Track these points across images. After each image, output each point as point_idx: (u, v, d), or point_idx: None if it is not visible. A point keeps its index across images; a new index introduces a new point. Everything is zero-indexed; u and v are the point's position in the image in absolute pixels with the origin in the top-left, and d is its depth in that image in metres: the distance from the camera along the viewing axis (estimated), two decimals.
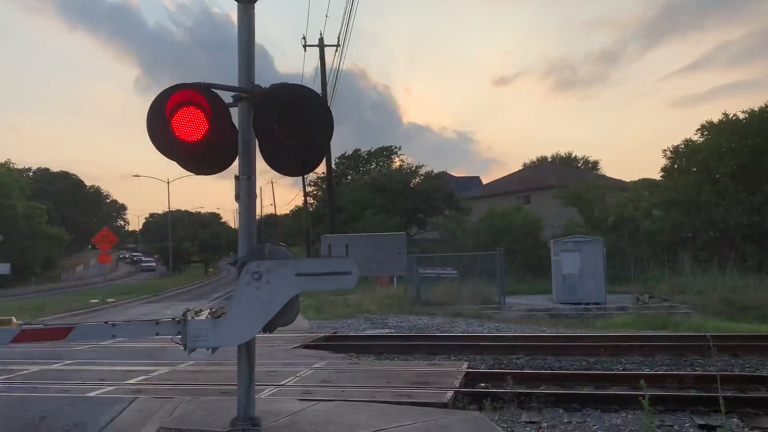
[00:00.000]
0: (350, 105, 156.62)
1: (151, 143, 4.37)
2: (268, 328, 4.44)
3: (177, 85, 4.34)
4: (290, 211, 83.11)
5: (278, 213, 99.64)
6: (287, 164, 4.91)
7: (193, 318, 4.43)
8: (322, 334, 14.22)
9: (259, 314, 4.27)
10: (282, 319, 4.53)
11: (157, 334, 4.56)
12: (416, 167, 52.59)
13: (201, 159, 4.79)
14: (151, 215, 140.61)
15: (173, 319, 4.49)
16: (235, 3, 4.79)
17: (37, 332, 4.57)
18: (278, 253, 4.53)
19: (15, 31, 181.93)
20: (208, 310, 4.72)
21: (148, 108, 4.30)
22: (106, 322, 4.61)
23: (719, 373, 6.99)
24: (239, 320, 4.28)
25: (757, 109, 29.94)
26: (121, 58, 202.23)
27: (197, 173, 5.20)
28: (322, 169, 42.62)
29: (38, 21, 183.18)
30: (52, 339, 4.62)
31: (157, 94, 4.31)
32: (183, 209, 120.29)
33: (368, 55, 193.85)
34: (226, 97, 4.64)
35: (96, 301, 31.59)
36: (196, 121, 4.37)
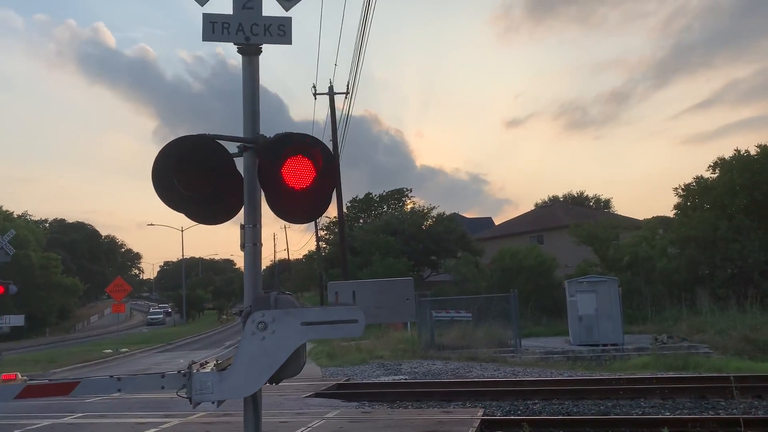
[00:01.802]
0: (364, 150, 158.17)
1: (158, 196, 4.39)
2: (274, 379, 4.35)
3: (182, 137, 4.39)
4: (303, 255, 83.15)
5: (292, 258, 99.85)
6: (293, 213, 4.91)
7: (198, 371, 4.36)
8: (335, 382, 14.02)
9: (264, 365, 4.19)
10: (288, 370, 4.44)
11: (163, 388, 4.49)
12: (428, 209, 52.69)
13: (207, 210, 4.79)
14: (166, 263, 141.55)
15: (179, 371, 4.43)
16: (241, 56, 4.87)
17: (42, 387, 4.51)
18: (284, 302, 4.47)
19: (37, 86, 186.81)
20: (214, 362, 4.65)
21: (153, 161, 4.33)
22: (111, 376, 4.55)
23: (742, 417, 6.78)
24: (244, 372, 4.20)
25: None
26: (139, 110, 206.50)
27: (204, 223, 5.20)
28: (334, 213, 42.83)
29: (59, 76, 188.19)
30: (57, 395, 4.55)
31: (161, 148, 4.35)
32: (197, 256, 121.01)
33: (380, 100, 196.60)
34: (232, 147, 4.67)
35: (109, 351, 31.50)
36: (202, 173, 4.38)
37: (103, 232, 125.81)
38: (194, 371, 4.30)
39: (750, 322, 21.10)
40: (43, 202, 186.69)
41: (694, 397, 10.47)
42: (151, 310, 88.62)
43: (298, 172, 4.54)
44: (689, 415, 9.00)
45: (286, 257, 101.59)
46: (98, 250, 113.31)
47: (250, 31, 4.75)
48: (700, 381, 11.52)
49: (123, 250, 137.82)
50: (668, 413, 9.35)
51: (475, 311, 23.07)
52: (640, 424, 8.34)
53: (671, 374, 13.27)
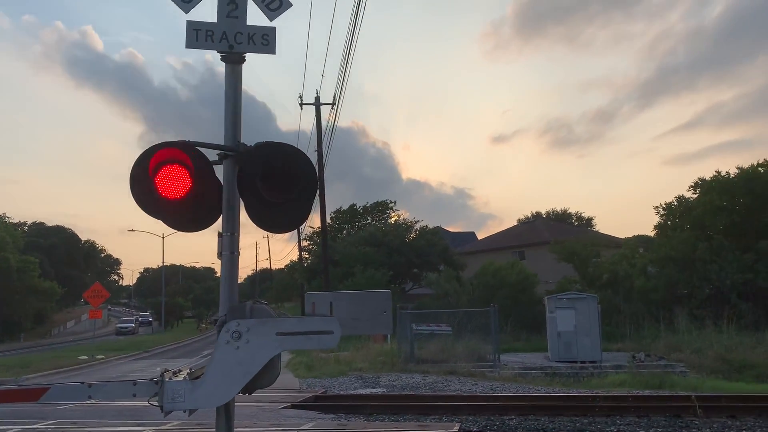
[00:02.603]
0: (350, 161, 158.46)
1: (135, 201, 4.36)
2: (248, 389, 4.32)
3: (160, 143, 4.36)
4: (286, 265, 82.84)
5: (274, 267, 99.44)
6: (272, 222, 4.90)
7: (170, 379, 4.32)
8: (312, 393, 13.93)
9: (238, 375, 4.16)
10: (262, 381, 4.41)
11: (134, 395, 4.43)
12: (411, 222, 52.79)
13: (185, 216, 4.76)
14: (146, 270, 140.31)
15: (151, 379, 4.38)
16: (224, 64, 4.87)
17: (9, 393, 4.44)
18: (259, 312, 4.45)
19: (23, 87, 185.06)
20: (188, 370, 4.61)
21: (131, 166, 4.30)
22: (82, 383, 4.49)
23: None
24: (217, 381, 4.16)
25: (748, 167, 30.34)
26: (126, 115, 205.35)
27: (182, 230, 5.18)
28: (317, 223, 42.79)
29: (46, 78, 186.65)
30: (25, 401, 4.47)
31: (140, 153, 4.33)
32: (178, 263, 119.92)
33: (368, 113, 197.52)
34: (212, 154, 4.66)
35: (85, 357, 31.02)
36: (180, 179, 4.36)
37: (84, 237, 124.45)
38: (166, 379, 4.26)
39: (726, 342, 21.34)
40: (23, 204, 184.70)
41: (668, 416, 10.53)
42: (121, 318, 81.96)
43: (277, 182, 4.54)
44: None
45: (268, 267, 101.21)
46: (77, 255, 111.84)
47: (234, 40, 4.75)
48: (674, 399, 11.60)
49: (103, 255, 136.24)
50: (642, 431, 9.41)
51: (456, 325, 23.08)
52: None
53: (647, 392, 13.36)
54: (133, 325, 71.06)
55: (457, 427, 9.26)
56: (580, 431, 9.47)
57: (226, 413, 4.49)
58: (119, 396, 4.60)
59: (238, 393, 4.33)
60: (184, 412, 4.34)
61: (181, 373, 4.53)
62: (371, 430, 9.24)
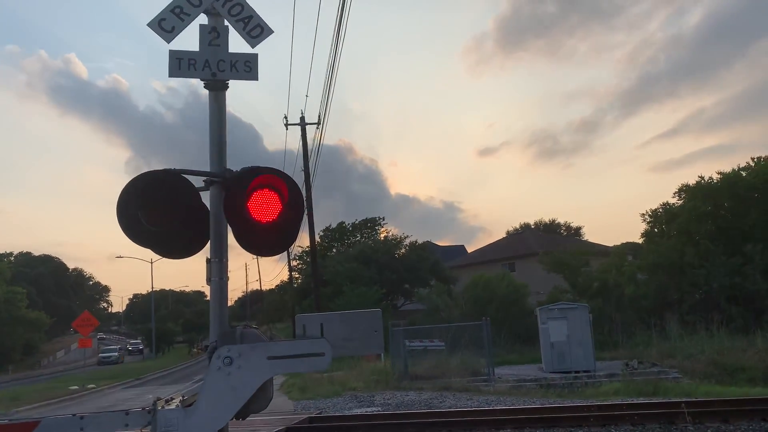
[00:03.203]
0: (339, 179, 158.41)
1: (122, 232, 4.38)
2: (241, 415, 4.32)
3: (147, 172, 4.40)
4: (276, 286, 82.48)
5: (264, 288, 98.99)
6: (260, 246, 4.94)
7: (163, 407, 4.31)
8: (306, 416, 13.82)
9: (230, 401, 4.16)
10: (255, 406, 4.42)
11: (127, 426, 4.43)
12: (401, 238, 52.86)
13: (174, 244, 4.80)
14: (135, 296, 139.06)
15: (143, 409, 4.38)
16: (207, 92, 4.93)
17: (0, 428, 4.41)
18: (250, 337, 4.47)
19: (7, 117, 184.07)
20: (180, 398, 4.60)
21: (117, 196, 4.33)
22: (73, 415, 4.49)
23: None
24: (210, 408, 4.16)
25: (730, 172, 30.71)
26: (111, 141, 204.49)
27: (171, 258, 5.20)
28: (306, 242, 42.68)
29: (30, 107, 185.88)
30: None
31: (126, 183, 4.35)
32: (167, 288, 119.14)
33: (355, 131, 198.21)
34: (198, 180, 4.70)
35: (76, 387, 30.63)
36: (167, 207, 4.39)
37: (72, 265, 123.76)
38: (159, 408, 4.26)
39: (717, 346, 21.46)
40: (9, 234, 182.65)
41: (663, 422, 10.56)
42: (102, 348, 75.73)
43: (264, 206, 4.58)
44: None
45: (259, 288, 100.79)
46: (65, 284, 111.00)
47: (217, 68, 4.81)
48: (668, 406, 11.62)
49: (91, 283, 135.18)
50: None
51: (449, 340, 23.06)
52: None
53: (641, 400, 13.38)
54: (117, 354, 66.77)
55: None
56: None
57: None
58: (112, 427, 4.58)
59: (232, 419, 4.34)
60: None
61: (174, 401, 4.53)
62: None
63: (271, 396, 4.61)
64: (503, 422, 11.29)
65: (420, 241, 53.69)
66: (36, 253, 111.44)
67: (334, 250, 61.73)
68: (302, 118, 30.91)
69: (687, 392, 14.86)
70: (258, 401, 4.37)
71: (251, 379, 4.18)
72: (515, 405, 13.80)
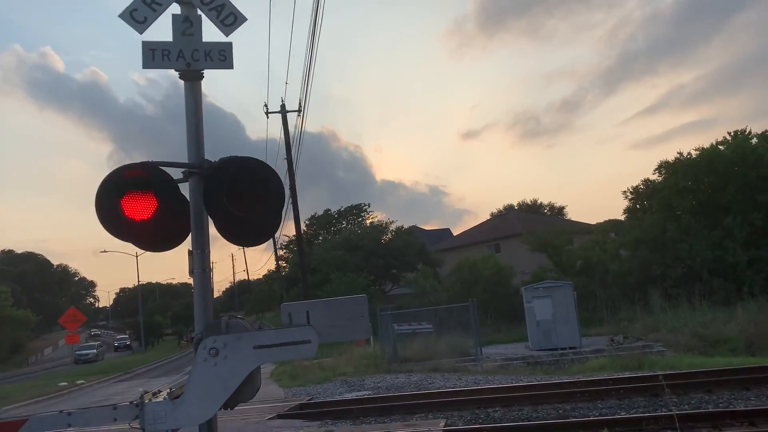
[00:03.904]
0: (323, 167, 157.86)
1: (102, 226, 4.35)
2: (229, 405, 4.33)
3: (124, 165, 4.37)
4: (264, 275, 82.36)
5: (252, 278, 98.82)
6: (240, 236, 4.92)
7: (150, 400, 4.32)
8: (297, 402, 13.90)
9: (218, 392, 4.17)
10: (243, 395, 4.44)
11: (115, 420, 4.43)
12: (386, 224, 52.94)
13: (154, 237, 4.76)
14: (122, 290, 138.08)
15: (131, 402, 4.38)
16: (183, 82, 4.88)
17: None
18: (235, 327, 4.47)
19: None
20: (167, 390, 4.60)
21: (96, 191, 4.29)
22: (61, 411, 4.47)
23: (687, 412, 7.01)
24: (198, 399, 4.17)
25: (708, 147, 31.02)
26: (92, 135, 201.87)
27: (152, 251, 5.18)
28: (292, 231, 42.61)
29: (8, 103, 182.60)
30: None
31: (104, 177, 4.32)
32: (154, 281, 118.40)
33: (338, 117, 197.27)
34: (177, 172, 4.67)
35: (65, 384, 30.49)
36: (146, 200, 4.36)
37: (56, 261, 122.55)
38: (146, 401, 4.26)
39: (700, 318, 21.80)
40: None
41: (648, 396, 10.76)
42: (78, 345, 69.45)
43: (243, 196, 4.56)
44: (644, 413, 9.26)
45: (246, 278, 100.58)
46: (50, 280, 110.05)
47: (191, 57, 4.76)
48: (653, 380, 11.82)
49: (76, 279, 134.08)
50: (624, 412, 9.60)
51: (437, 322, 23.21)
52: (597, 425, 8.51)
53: (627, 374, 13.59)
54: (95, 351, 61.95)
55: (442, 424, 9.35)
56: (563, 418, 9.62)
57: (209, 430, 4.50)
58: (100, 422, 4.59)
59: (220, 409, 4.35)
60: None
61: (161, 393, 4.53)
62: None
63: (258, 385, 4.63)
64: (492, 401, 11.44)
65: (406, 226, 53.90)
66: (19, 251, 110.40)
67: (321, 238, 61.70)
68: (283, 106, 30.71)
69: (671, 365, 15.11)
70: (246, 391, 4.39)
71: (238, 368, 4.19)
72: (503, 384, 13.96)
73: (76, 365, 53.07)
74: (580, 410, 10.21)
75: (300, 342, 4.37)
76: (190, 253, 4.71)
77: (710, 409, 9.08)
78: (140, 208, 4.34)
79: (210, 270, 4.70)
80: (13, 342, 68.09)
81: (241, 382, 4.24)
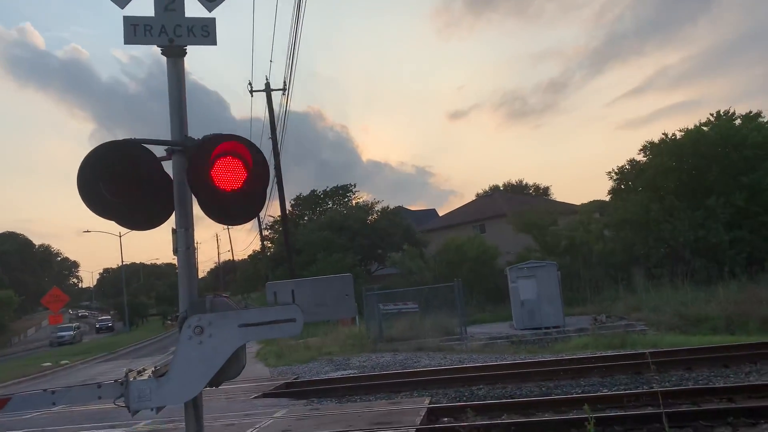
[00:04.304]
0: (308, 146, 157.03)
1: (84, 204, 4.30)
2: (214, 382, 4.33)
3: (105, 143, 4.30)
4: (249, 256, 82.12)
5: (237, 258, 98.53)
6: (226, 215, 4.89)
7: (135, 378, 4.30)
8: (283, 381, 13.97)
9: (203, 370, 4.17)
10: (228, 373, 4.43)
11: (100, 398, 4.40)
12: (372, 204, 52.90)
13: (137, 215, 4.72)
14: (105, 270, 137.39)
15: (115, 381, 4.36)
16: (165, 59, 4.81)
17: None
18: (220, 305, 4.45)
19: None
20: (152, 369, 4.59)
21: (77, 169, 4.23)
22: (44, 390, 4.44)
23: (668, 389, 7.13)
24: (183, 377, 4.17)
25: (693, 128, 31.20)
26: (74, 113, 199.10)
27: (136, 229, 5.13)
28: (278, 211, 42.48)
29: None
30: None
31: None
32: (138, 262, 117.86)
33: (324, 97, 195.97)
34: (160, 150, 4.61)
35: (49, 364, 30.40)
36: (129, 178, 4.31)
37: (38, 242, 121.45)
38: (131, 379, 4.25)
39: (681, 298, 22.09)
40: None
41: (630, 374, 10.92)
42: (54, 327, 69.98)
43: (228, 174, 4.51)
44: (625, 390, 9.40)
45: (231, 258, 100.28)
46: (32, 261, 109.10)
47: (174, 33, 4.68)
48: (635, 358, 12.00)
49: (59, 259, 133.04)
50: (606, 390, 9.74)
51: (422, 302, 23.32)
52: (579, 402, 8.61)
53: (609, 352, 13.78)
54: (72, 333, 59.42)
55: (427, 401, 9.43)
56: (547, 395, 9.75)
57: (194, 408, 4.50)
58: (84, 400, 4.57)
59: (205, 387, 4.35)
60: (152, 410, 4.34)
61: (146, 371, 4.51)
62: (343, 412, 9.35)
63: (244, 363, 4.63)
64: (477, 379, 11.56)
65: (392, 207, 53.88)
66: None
67: (306, 219, 61.54)
68: (267, 84, 30.38)
69: (653, 343, 15.34)
70: (231, 369, 4.38)
71: (223, 347, 4.19)
72: (488, 362, 14.10)
73: (52, 347, 51.55)
74: (563, 387, 10.35)
75: (285, 320, 4.36)
76: (174, 231, 4.67)
77: (690, 386, 9.24)
78: (123, 186, 4.29)
79: (194, 248, 4.66)
80: None
81: (227, 360, 4.24)
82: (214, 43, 4.76)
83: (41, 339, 72.01)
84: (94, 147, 4.42)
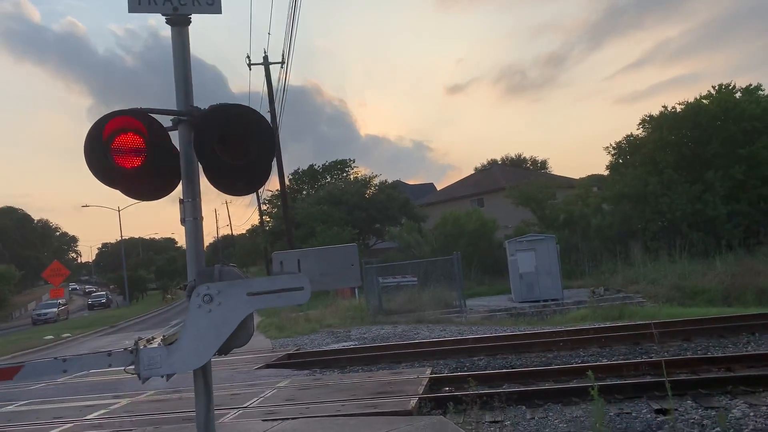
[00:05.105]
0: (306, 121, 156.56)
1: (91, 173, 4.30)
2: (223, 350, 4.39)
3: (113, 112, 4.29)
4: (247, 230, 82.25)
5: (235, 233, 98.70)
6: (232, 184, 4.90)
7: (145, 346, 4.36)
8: (285, 352, 14.11)
9: (212, 337, 4.22)
10: (237, 341, 4.48)
11: (110, 366, 4.46)
12: (370, 178, 52.82)
13: (143, 185, 4.72)
14: (104, 245, 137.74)
15: (125, 349, 4.42)
16: (170, 27, 4.77)
17: None
18: (228, 274, 4.49)
19: None
20: (161, 337, 4.65)
21: (84, 138, 4.23)
22: (56, 358, 4.50)
23: (669, 359, 7.23)
24: (192, 345, 4.22)
25: (693, 101, 31.10)
26: (71, 88, 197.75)
27: (141, 199, 5.15)
28: (276, 186, 42.46)
29: None
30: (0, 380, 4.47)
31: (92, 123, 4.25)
32: (137, 236, 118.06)
33: (322, 71, 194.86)
34: (166, 120, 4.61)
35: (51, 337, 30.62)
36: (135, 148, 4.32)
37: (37, 216, 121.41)
38: (141, 347, 4.31)
39: (679, 271, 22.25)
40: None
41: (628, 344, 11.05)
42: (40, 303, 62.92)
43: (234, 144, 4.53)
44: (624, 360, 9.52)
45: (230, 233, 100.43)
46: (31, 235, 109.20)
47: (178, 1, 4.64)
48: (633, 328, 12.13)
49: (58, 233, 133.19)
50: (605, 360, 9.86)
51: (421, 275, 23.46)
52: (579, 371, 8.72)
53: (608, 324, 13.92)
54: (55, 310, 54.26)
55: (429, 371, 9.55)
56: (547, 365, 9.87)
57: (203, 375, 4.56)
58: (95, 367, 4.63)
59: (214, 355, 4.41)
60: (162, 377, 4.40)
61: (155, 340, 4.57)
62: (346, 382, 9.47)
63: (252, 331, 4.68)
64: (477, 350, 11.68)
65: (390, 181, 53.83)
66: None
67: (305, 193, 61.47)
68: (265, 57, 30.19)
69: (651, 315, 15.47)
70: (239, 336, 4.43)
71: (232, 315, 4.24)
72: (487, 333, 14.24)
73: (35, 326, 49.25)
74: (563, 358, 10.48)
75: (293, 289, 4.41)
76: (181, 201, 4.68)
77: (689, 356, 9.37)
78: (130, 155, 4.30)
79: (202, 219, 4.69)
80: None
81: (236, 329, 4.30)
82: (219, 11, 4.72)
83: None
84: (92, 122, 4.41)
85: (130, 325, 40.47)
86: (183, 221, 4.67)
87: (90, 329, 36.98)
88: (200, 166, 4.66)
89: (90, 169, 4.28)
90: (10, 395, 11.29)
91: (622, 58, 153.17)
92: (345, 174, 62.30)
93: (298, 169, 63.42)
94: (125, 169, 4.31)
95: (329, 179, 62.29)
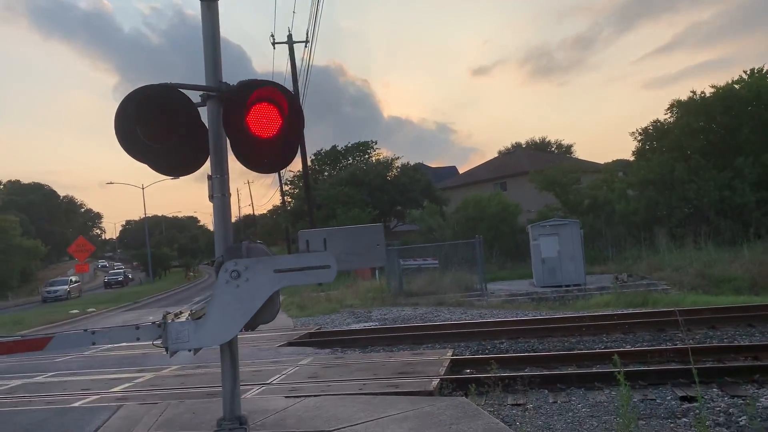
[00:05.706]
0: (329, 101, 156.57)
1: (121, 147, 4.33)
2: (250, 326, 4.42)
3: (142, 86, 4.29)
4: (268, 210, 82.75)
5: (256, 213, 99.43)
6: (260, 162, 4.89)
7: (173, 321, 4.40)
8: (306, 331, 14.21)
9: (239, 313, 4.25)
10: (263, 317, 4.51)
11: (138, 339, 4.52)
12: (392, 160, 52.69)
13: (173, 160, 4.74)
14: (128, 222, 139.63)
15: (153, 322, 4.46)
16: (199, 2, 4.75)
17: (13, 344, 4.50)
18: (256, 251, 4.51)
19: None
20: (189, 312, 4.69)
21: (114, 113, 4.24)
22: (85, 330, 4.56)
23: (695, 346, 7.13)
24: (220, 320, 4.26)
25: (724, 86, 30.42)
26: (97, 66, 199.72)
27: (170, 175, 5.16)
28: (298, 167, 42.56)
29: (10, 31, 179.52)
30: (30, 350, 4.55)
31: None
32: (160, 214, 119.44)
33: (346, 51, 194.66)
34: (195, 96, 4.60)
35: (76, 311, 31.22)
36: (166, 123, 4.32)
37: (62, 192, 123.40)
38: (169, 321, 4.35)
39: (704, 258, 21.90)
40: None
41: (652, 331, 10.94)
42: (50, 281, 58.02)
43: (264, 120, 4.51)
44: (648, 346, 9.43)
45: (251, 212, 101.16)
46: (57, 211, 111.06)
47: None
48: (657, 315, 12.01)
49: (83, 210, 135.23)
50: (629, 346, 9.78)
51: (442, 258, 23.41)
52: (602, 357, 8.67)
53: (631, 310, 13.79)
54: (66, 287, 51.84)
55: (450, 353, 9.55)
56: (570, 350, 9.82)
57: (230, 350, 4.60)
58: (123, 340, 4.69)
59: (241, 330, 4.44)
60: (189, 351, 4.45)
61: (183, 314, 4.61)
62: (368, 361, 9.50)
63: (278, 308, 4.70)
64: (498, 333, 11.65)
65: (412, 163, 53.65)
66: (25, 181, 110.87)
67: (326, 174, 61.53)
68: (290, 36, 30.09)
69: (675, 302, 15.29)
70: (266, 312, 4.46)
71: (259, 291, 4.26)
72: (509, 317, 14.19)
73: (44, 303, 47.89)
74: (585, 343, 10.41)
75: (319, 267, 4.42)
76: (209, 177, 4.69)
77: (715, 344, 9.24)
78: (160, 130, 4.30)
79: (230, 194, 4.70)
80: (22, 271, 69.25)
81: (263, 304, 4.32)
82: None
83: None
84: (118, 101, 4.42)
85: (154, 302, 41.08)
86: (211, 197, 4.69)
87: (114, 304, 37.64)
88: (228, 141, 4.67)
89: (120, 142, 4.30)
90: (39, 367, 11.53)
91: (651, 42, 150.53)
92: (367, 156, 62.22)
93: (321, 150, 63.45)
94: (154, 144, 4.32)
95: (351, 161, 62.26)
